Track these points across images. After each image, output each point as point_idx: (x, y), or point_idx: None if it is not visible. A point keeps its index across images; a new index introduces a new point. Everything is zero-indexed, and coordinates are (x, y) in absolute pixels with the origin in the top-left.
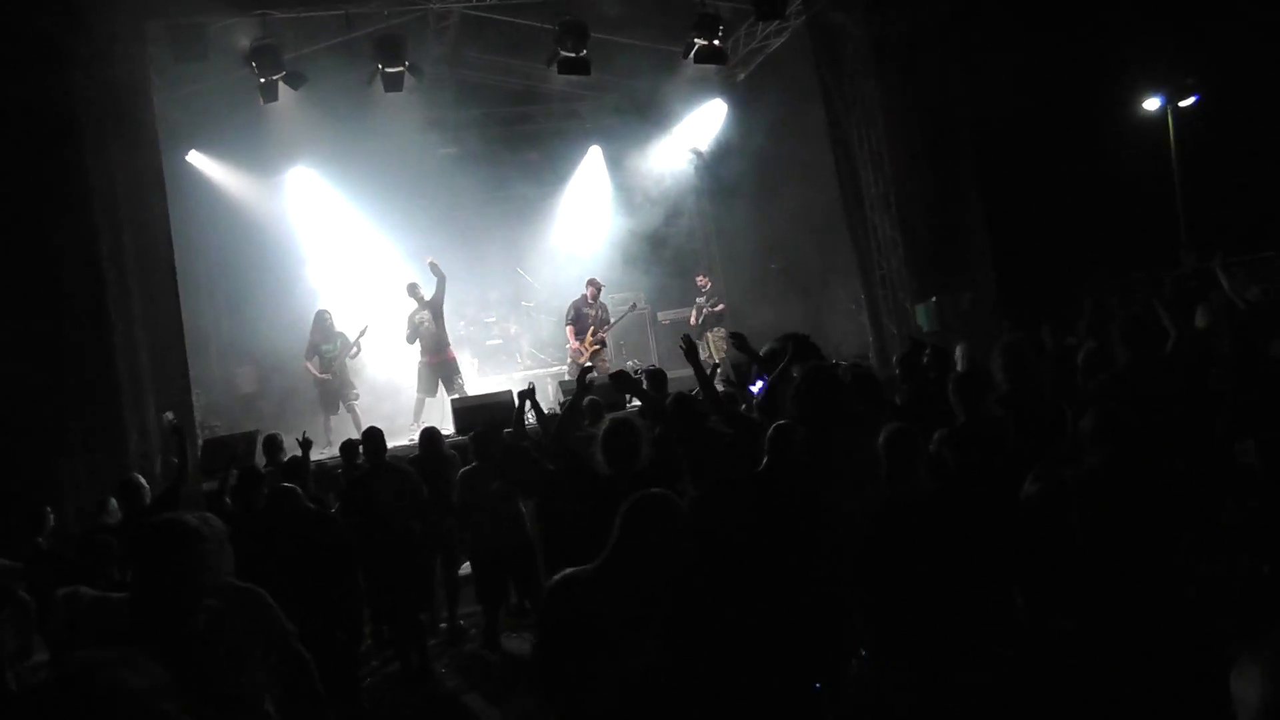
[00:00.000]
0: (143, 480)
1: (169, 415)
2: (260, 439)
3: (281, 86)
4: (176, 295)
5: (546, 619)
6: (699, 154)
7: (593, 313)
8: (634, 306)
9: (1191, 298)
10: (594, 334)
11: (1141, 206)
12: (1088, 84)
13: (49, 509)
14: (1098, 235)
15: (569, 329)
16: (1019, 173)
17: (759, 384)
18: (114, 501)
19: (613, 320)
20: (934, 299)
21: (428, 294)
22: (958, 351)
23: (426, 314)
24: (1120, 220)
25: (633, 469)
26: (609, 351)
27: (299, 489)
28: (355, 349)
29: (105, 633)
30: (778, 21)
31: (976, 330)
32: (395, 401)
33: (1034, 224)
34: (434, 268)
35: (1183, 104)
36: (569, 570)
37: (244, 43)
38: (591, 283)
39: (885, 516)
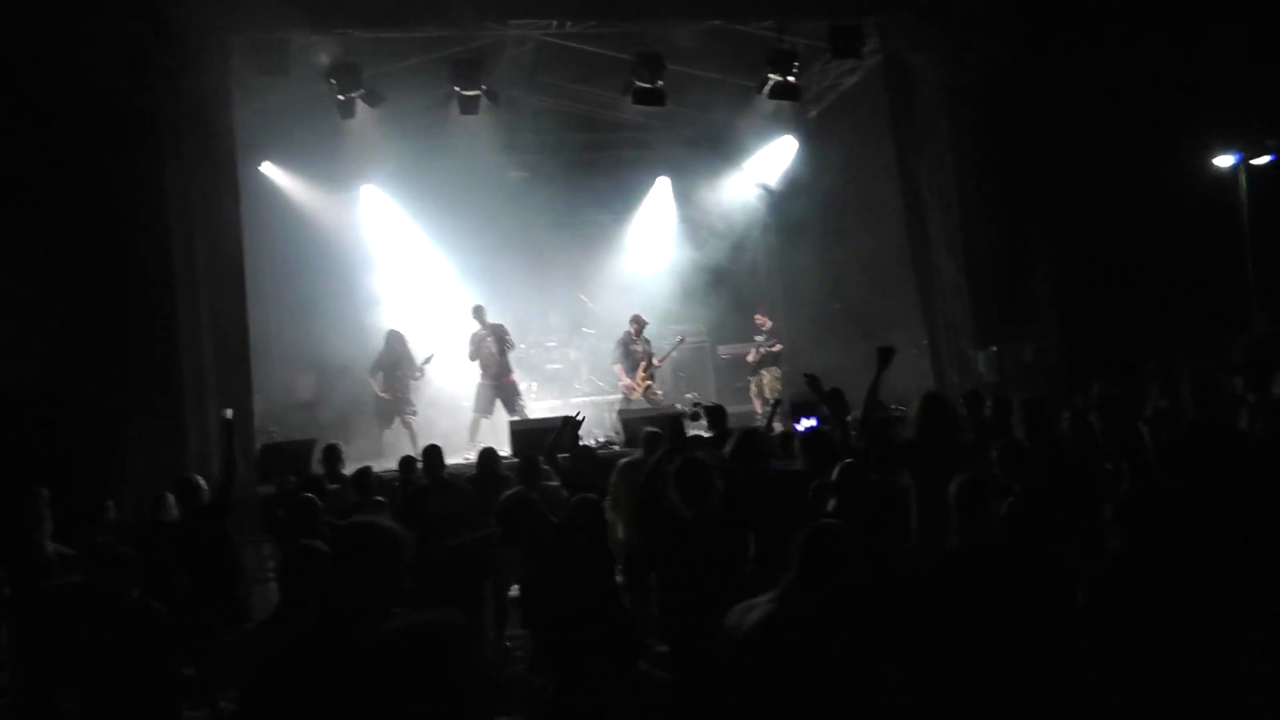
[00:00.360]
0: (201, 480)
1: (227, 412)
2: (318, 447)
3: (359, 104)
4: (244, 301)
5: (740, 657)
6: (767, 189)
7: (639, 348)
8: (681, 340)
9: (1265, 363)
10: (644, 369)
11: (1211, 265)
12: (1161, 137)
13: (110, 502)
14: (1166, 292)
15: (617, 368)
16: (1089, 223)
17: (804, 422)
18: (171, 499)
19: (658, 357)
20: (995, 348)
21: (491, 318)
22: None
23: (491, 339)
24: (1189, 278)
25: (708, 509)
26: (665, 384)
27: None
28: (419, 373)
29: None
30: (853, 60)
31: (1038, 382)
32: (453, 419)
33: (1102, 277)
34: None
35: (1257, 162)
36: (746, 605)
37: (324, 59)
38: (635, 319)
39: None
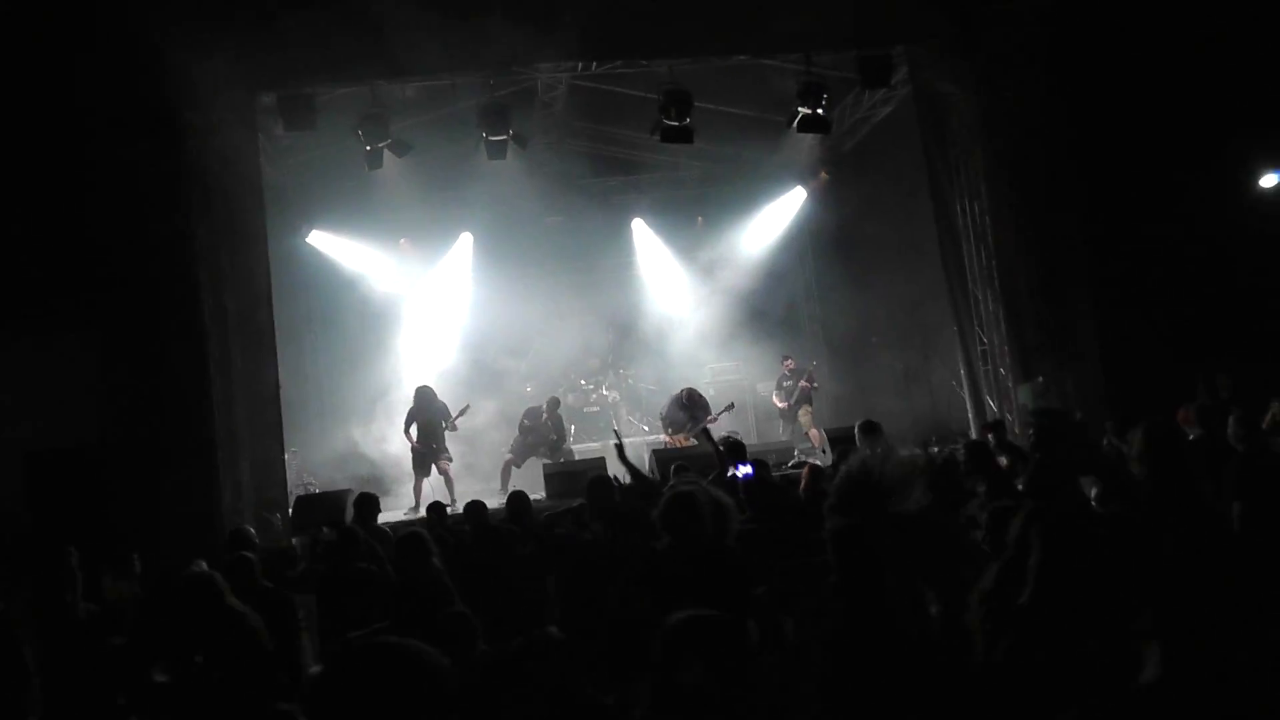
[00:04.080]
0: (252, 531)
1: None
2: (351, 498)
3: (386, 154)
4: (275, 356)
5: None
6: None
7: (685, 415)
8: (730, 407)
9: None
10: (690, 431)
11: (1258, 291)
12: (1201, 158)
13: (135, 556)
14: (1209, 317)
15: (666, 430)
16: (1128, 249)
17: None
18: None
19: (706, 421)
20: (1040, 378)
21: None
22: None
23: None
24: (1234, 305)
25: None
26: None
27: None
28: (453, 425)
29: None
30: (884, 90)
31: (1081, 412)
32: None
33: (1144, 304)
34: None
35: None
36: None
37: (350, 112)
38: (689, 393)
39: None
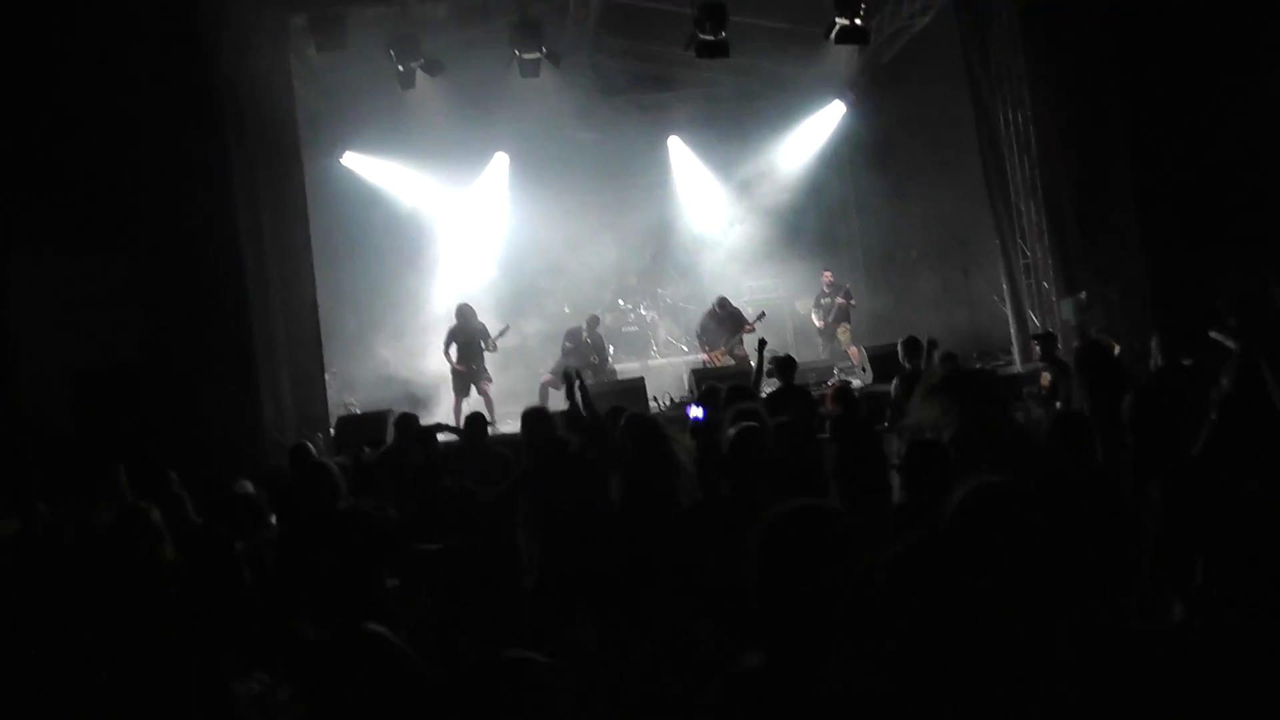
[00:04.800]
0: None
1: None
2: (392, 418)
3: (420, 74)
4: (312, 274)
5: None
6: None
7: (717, 326)
8: (762, 315)
9: None
10: (725, 345)
11: None
12: (1253, 57)
13: (173, 474)
14: (1262, 229)
15: (701, 345)
16: (1176, 156)
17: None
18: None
19: (741, 332)
20: (1083, 293)
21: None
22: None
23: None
24: None
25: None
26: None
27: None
28: (492, 346)
29: None
30: None
31: (1125, 326)
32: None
33: (1191, 213)
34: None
35: None
36: None
37: (382, 32)
38: (720, 301)
39: None
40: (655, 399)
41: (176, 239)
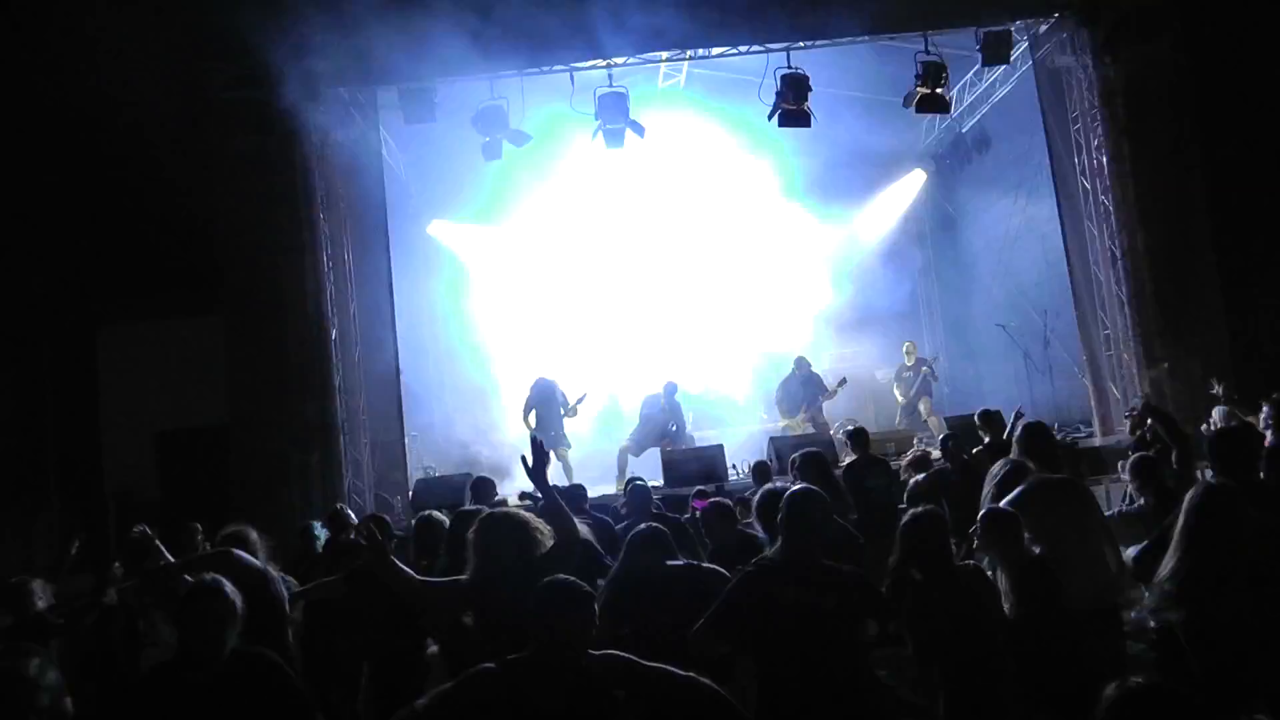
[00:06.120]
0: (350, 513)
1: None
2: (469, 482)
3: (505, 145)
4: (395, 345)
5: None
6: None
7: (800, 391)
8: (843, 382)
9: None
10: (805, 411)
11: None
12: None
13: (254, 534)
14: None
15: (780, 411)
16: (1257, 226)
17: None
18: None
19: (821, 398)
20: (1166, 364)
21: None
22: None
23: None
24: None
25: None
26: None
27: None
28: (572, 411)
29: None
30: (1002, 68)
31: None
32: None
33: (1272, 284)
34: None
35: None
36: None
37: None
38: (798, 362)
39: None
40: (734, 466)
41: (265, 309)
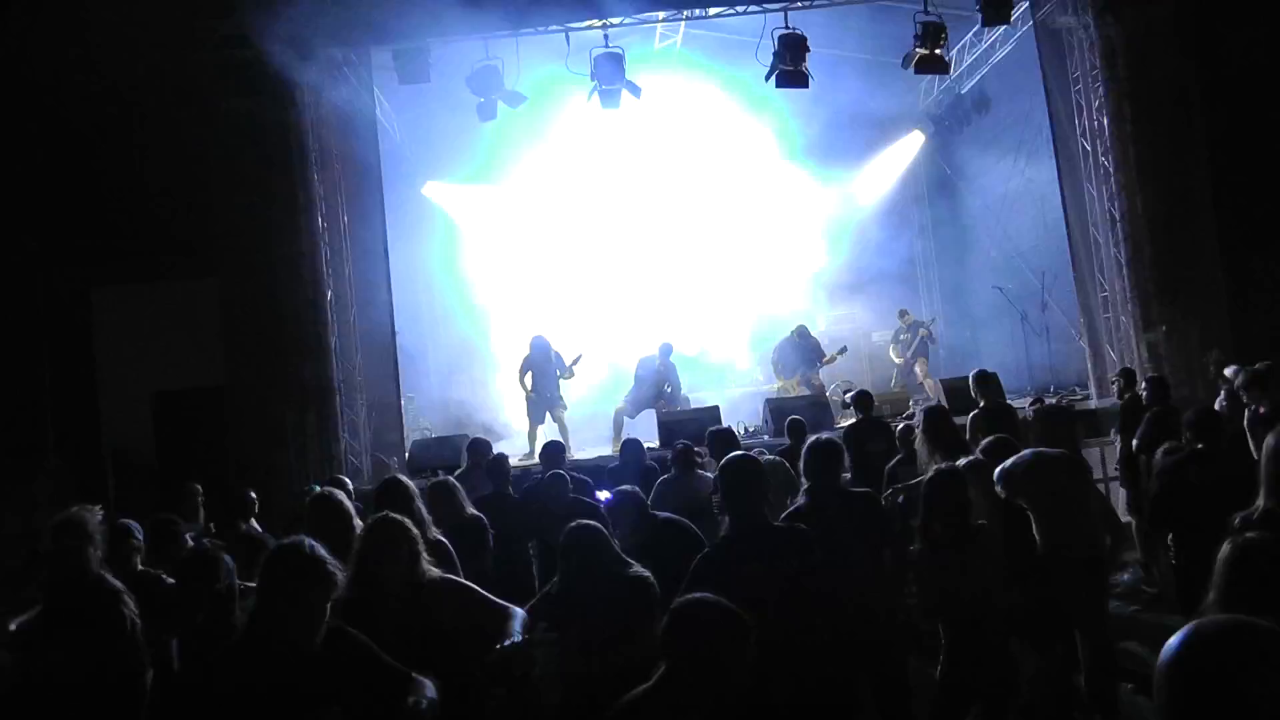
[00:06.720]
0: (347, 481)
1: None
2: (465, 443)
3: (500, 105)
4: (391, 306)
5: None
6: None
7: (796, 356)
8: (843, 350)
9: None
10: (803, 375)
11: None
12: None
13: (253, 494)
14: None
15: (777, 374)
16: (1257, 189)
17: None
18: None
19: (819, 364)
20: (1163, 327)
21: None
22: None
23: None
24: None
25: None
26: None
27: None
28: (569, 373)
29: None
30: (1001, 29)
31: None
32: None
33: (1272, 250)
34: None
35: None
36: None
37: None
38: (798, 331)
39: None
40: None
41: (260, 269)
